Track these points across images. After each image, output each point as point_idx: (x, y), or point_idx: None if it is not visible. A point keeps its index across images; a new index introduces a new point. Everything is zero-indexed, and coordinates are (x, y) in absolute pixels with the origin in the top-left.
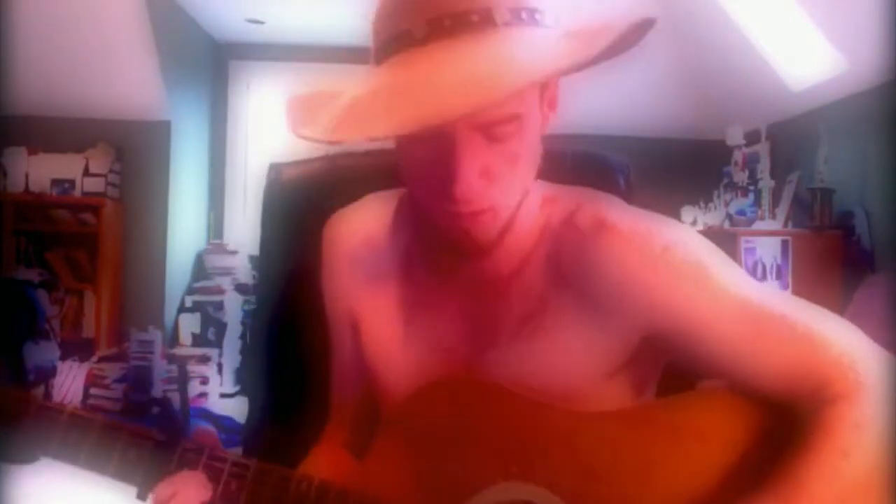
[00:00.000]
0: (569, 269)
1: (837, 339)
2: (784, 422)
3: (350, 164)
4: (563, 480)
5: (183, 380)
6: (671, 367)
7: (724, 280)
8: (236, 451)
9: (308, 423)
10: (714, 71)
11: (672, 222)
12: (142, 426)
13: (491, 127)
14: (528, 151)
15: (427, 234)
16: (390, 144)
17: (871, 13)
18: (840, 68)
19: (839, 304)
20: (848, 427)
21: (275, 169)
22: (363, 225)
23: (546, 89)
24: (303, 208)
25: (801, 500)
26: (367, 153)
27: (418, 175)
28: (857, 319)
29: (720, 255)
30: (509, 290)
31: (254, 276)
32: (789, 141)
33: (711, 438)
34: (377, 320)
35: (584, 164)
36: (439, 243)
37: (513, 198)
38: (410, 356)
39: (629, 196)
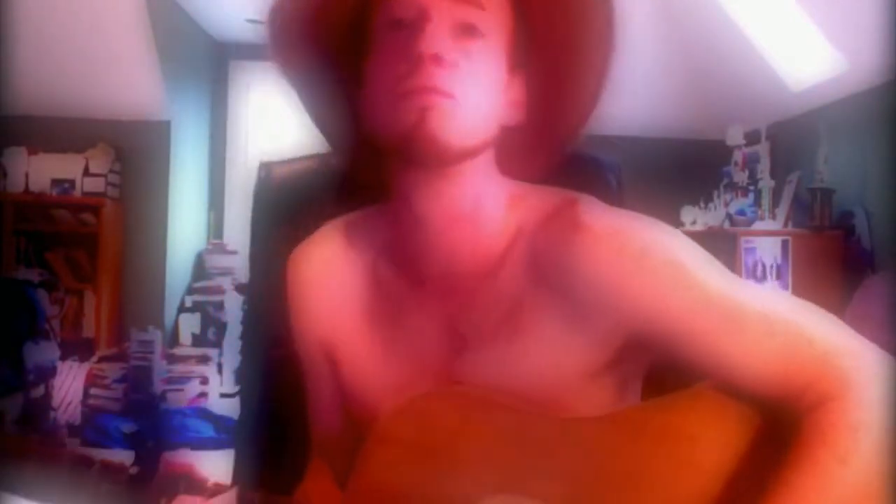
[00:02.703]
0: (546, 271)
1: (823, 335)
2: (776, 419)
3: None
4: (555, 489)
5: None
6: (658, 367)
7: (704, 279)
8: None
9: (299, 426)
10: (714, 71)
11: (650, 221)
12: (113, 461)
13: (459, 5)
14: (487, 80)
15: (395, 237)
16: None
17: (871, 13)
18: (840, 68)
19: (839, 304)
20: (842, 430)
21: (265, 167)
22: (323, 255)
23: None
24: (293, 207)
25: None
26: None
27: (381, 70)
28: (856, 320)
29: (699, 253)
30: (484, 292)
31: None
32: (789, 141)
33: (701, 439)
34: (353, 344)
35: (576, 164)
36: (404, 245)
37: (474, 111)
38: (390, 370)
39: (621, 195)
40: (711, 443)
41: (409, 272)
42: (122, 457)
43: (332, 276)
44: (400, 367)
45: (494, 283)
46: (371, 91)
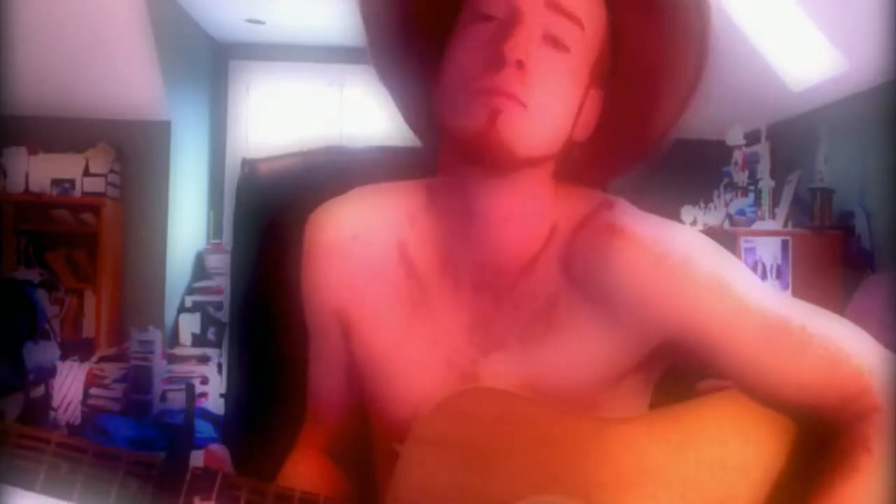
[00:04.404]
0: (583, 272)
1: (859, 350)
2: (807, 426)
3: (325, 160)
4: (593, 491)
5: (191, 397)
6: (670, 370)
7: (743, 291)
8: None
9: (283, 420)
10: (714, 70)
11: (687, 230)
12: (141, 452)
13: (554, 14)
14: (564, 95)
15: (436, 223)
16: (368, 144)
17: (871, 13)
18: (840, 68)
19: (839, 304)
20: (884, 439)
21: (248, 164)
22: (352, 220)
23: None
24: (277, 205)
25: None
26: (343, 150)
27: (461, 62)
28: (856, 320)
29: (736, 264)
30: (518, 289)
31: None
32: (789, 141)
33: (730, 441)
34: (372, 323)
35: None
36: (444, 232)
37: (545, 122)
38: (413, 358)
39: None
40: (740, 445)
41: (445, 261)
42: None
43: (359, 244)
44: (423, 358)
45: (530, 281)
46: (446, 80)
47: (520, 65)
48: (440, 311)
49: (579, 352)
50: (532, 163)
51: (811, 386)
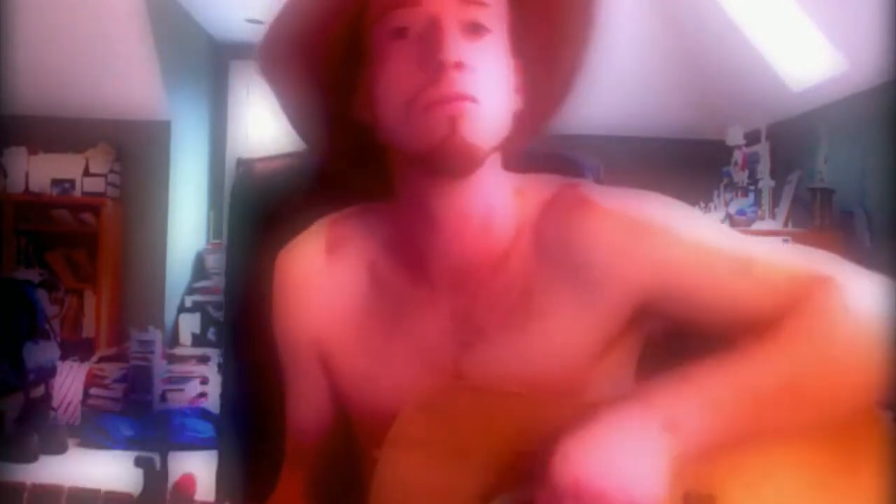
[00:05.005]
0: (553, 252)
1: (825, 264)
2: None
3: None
4: None
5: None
6: (650, 354)
7: (709, 238)
8: None
9: (279, 419)
10: (714, 71)
11: (649, 193)
12: (116, 491)
13: (465, 6)
14: (501, 75)
15: (399, 237)
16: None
17: (871, 13)
18: (840, 68)
19: None
20: (835, 306)
21: (244, 164)
22: (317, 252)
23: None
24: (272, 204)
25: (783, 364)
26: None
27: (396, 81)
28: None
29: (698, 215)
30: (493, 283)
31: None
32: (789, 141)
33: None
34: (350, 345)
35: (556, 166)
36: (413, 245)
37: (497, 109)
38: (395, 370)
39: None
40: None
41: (414, 271)
42: (124, 458)
43: (325, 275)
44: (405, 365)
45: (504, 273)
46: (386, 105)
47: (460, 65)
48: (418, 321)
49: (561, 332)
50: (494, 151)
51: (782, 300)
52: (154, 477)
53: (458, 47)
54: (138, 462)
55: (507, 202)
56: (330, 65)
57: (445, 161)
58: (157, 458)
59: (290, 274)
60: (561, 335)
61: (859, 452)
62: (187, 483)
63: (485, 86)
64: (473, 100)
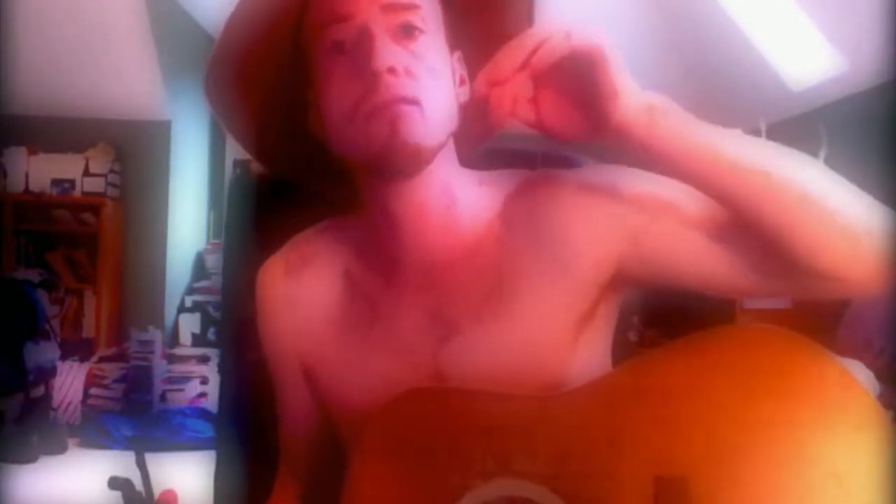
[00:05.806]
0: (523, 231)
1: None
2: (756, 366)
3: None
4: (539, 467)
5: (142, 463)
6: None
7: (674, 197)
8: None
9: (276, 418)
10: (714, 70)
11: (611, 166)
12: None
13: (394, 12)
14: (441, 72)
15: (368, 241)
16: None
17: (871, 13)
18: (840, 68)
19: (838, 305)
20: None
21: (240, 165)
22: (294, 267)
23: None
24: (269, 205)
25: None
26: None
27: (338, 95)
28: (856, 320)
29: (664, 180)
30: (463, 275)
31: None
32: (789, 141)
33: (673, 393)
34: (332, 352)
35: (554, 164)
36: (380, 248)
37: (439, 107)
38: (376, 370)
39: None
40: (685, 396)
41: (385, 273)
42: (123, 458)
43: (303, 288)
44: (387, 368)
45: (474, 262)
46: (332, 118)
47: (392, 70)
48: (395, 322)
49: (536, 313)
50: (441, 148)
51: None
52: (133, 499)
53: (390, 53)
54: (112, 484)
55: (471, 194)
56: (277, 85)
57: (392, 163)
58: (133, 480)
59: (265, 293)
60: (537, 316)
61: (837, 433)
62: (169, 499)
63: (423, 85)
64: (412, 101)
